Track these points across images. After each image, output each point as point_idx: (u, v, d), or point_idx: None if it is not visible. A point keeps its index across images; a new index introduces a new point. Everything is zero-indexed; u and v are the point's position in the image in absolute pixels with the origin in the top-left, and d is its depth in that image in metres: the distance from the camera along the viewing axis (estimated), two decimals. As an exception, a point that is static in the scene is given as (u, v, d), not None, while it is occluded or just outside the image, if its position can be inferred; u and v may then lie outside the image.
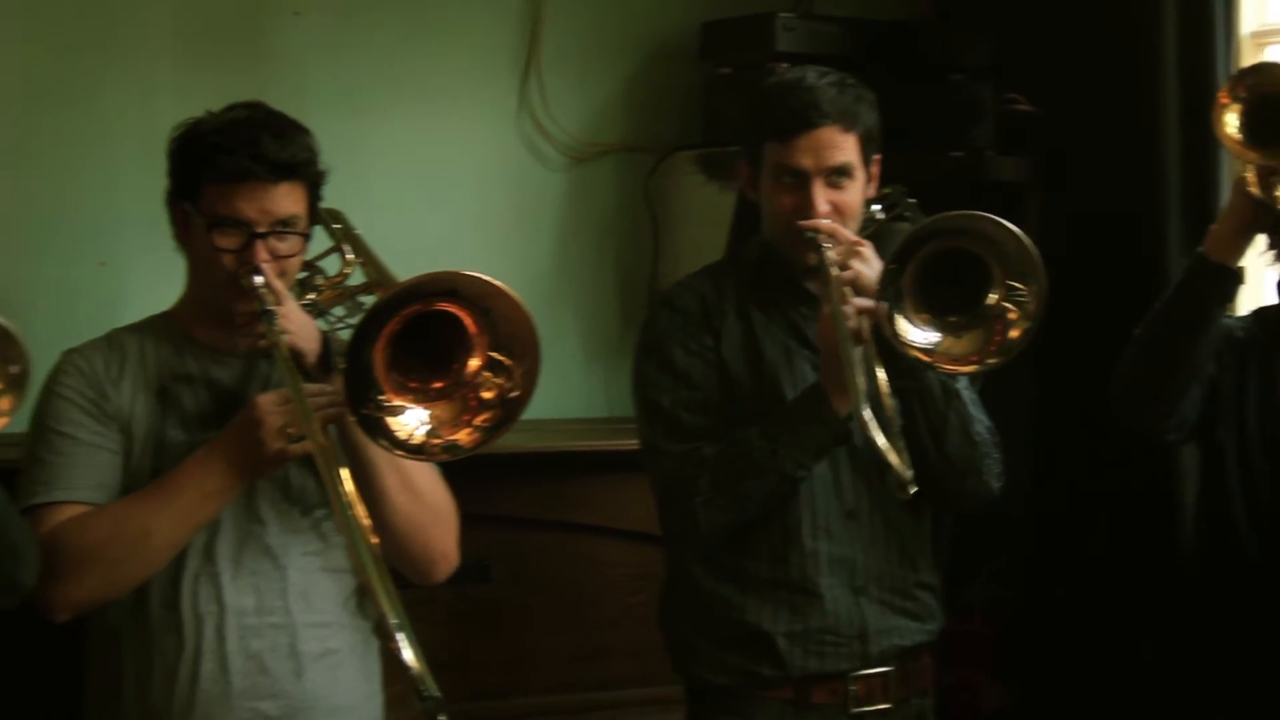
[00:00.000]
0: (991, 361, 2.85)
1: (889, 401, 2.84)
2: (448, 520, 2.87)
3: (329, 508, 2.73)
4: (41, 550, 2.55)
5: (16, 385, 2.22)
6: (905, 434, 2.85)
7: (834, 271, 2.85)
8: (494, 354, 2.58)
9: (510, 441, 2.68)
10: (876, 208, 3.12)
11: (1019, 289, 2.80)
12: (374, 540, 2.46)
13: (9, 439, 2.28)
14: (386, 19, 4.15)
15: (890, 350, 2.82)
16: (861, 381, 2.77)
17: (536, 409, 2.63)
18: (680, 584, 3.09)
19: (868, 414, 2.75)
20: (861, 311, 2.80)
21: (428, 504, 2.82)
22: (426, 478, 2.82)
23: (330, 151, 2.82)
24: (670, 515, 3.04)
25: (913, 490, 2.77)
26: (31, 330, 2.22)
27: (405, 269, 2.71)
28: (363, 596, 2.82)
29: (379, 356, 2.53)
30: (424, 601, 2.56)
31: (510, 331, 2.57)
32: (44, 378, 2.71)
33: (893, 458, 2.76)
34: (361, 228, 3.09)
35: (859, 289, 2.83)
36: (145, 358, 2.80)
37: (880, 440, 2.76)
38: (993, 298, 2.82)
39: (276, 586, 2.77)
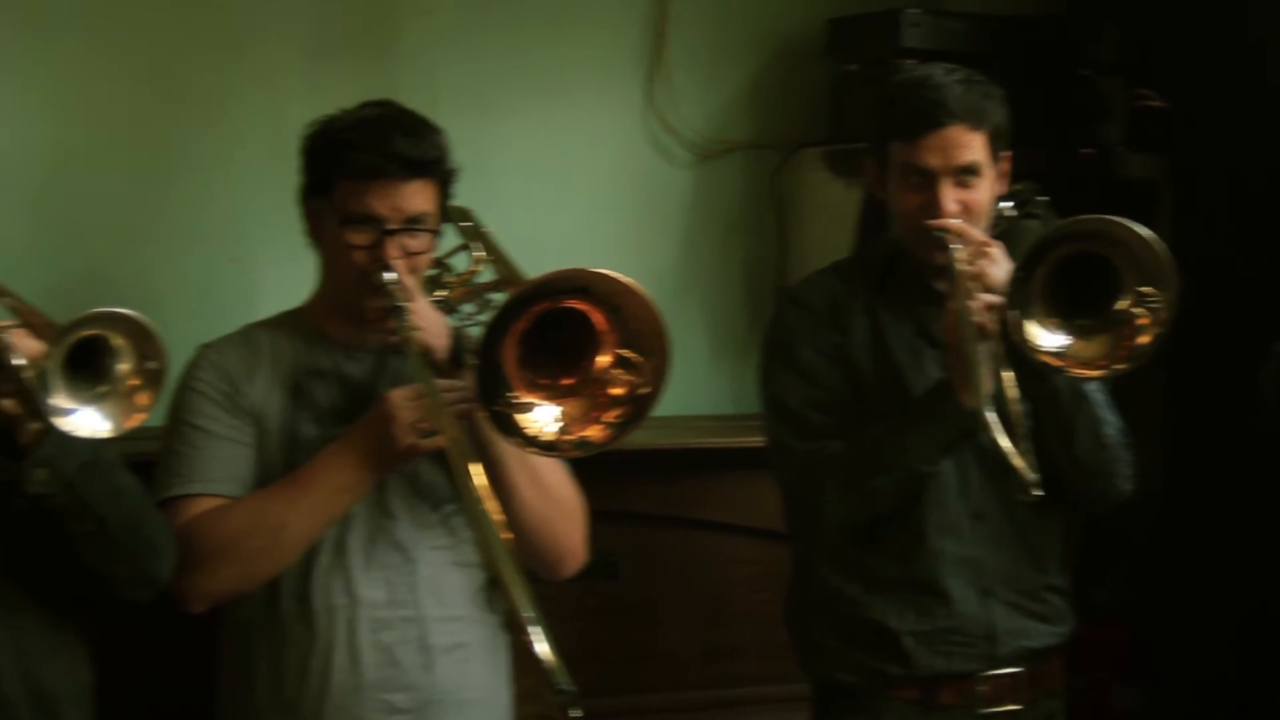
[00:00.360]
0: (1119, 367, 2.80)
1: (1015, 402, 2.81)
2: (575, 516, 2.89)
3: (459, 503, 2.76)
4: (177, 542, 2.59)
5: (154, 381, 2.26)
6: (1033, 437, 2.81)
7: (960, 269, 2.82)
8: (624, 351, 2.59)
9: (638, 438, 2.68)
10: (1006, 205, 3.09)
11: (1150, 295, 2.75)
12: (506, 535, 2.48)
13: (147, 432, 2.32)
14: (514, 17, 4.16)
15: (1018, 354, 2.79)
16: (987, 380, 2.75)
17: (663, 406, 2.63)
18: (807, 582, 3.08)
19: (991, 415, 2.73)
20: (988, 308, 2.78)
21: (556, 500, 2.84)
22: (555, 474, 2.84)
23: (458, 149, 2.85)
24: (797, 513, 3.04)
25: (1037, 494, 2.73)
26: (166, 326, 2.26)
27: (532, 266, 2.73)
28: (492, 591, 2.84)
29: (509, 353, 2.55)
30: (552, 597, 2.57)
31: (640, 328, 2.57)
32: (179, 373, 2.75)
33: (1017, 461, 2.72)
34: (489, 225, 3.10)
35: (985, 285, 2.80)
36: (279, 353, 2.84)
37: (1004, 443, 2.73)
38: (1123, 303, 2.77)
39: (407, 580, 2.79)
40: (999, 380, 2.78)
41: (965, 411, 2.80)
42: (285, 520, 2.69)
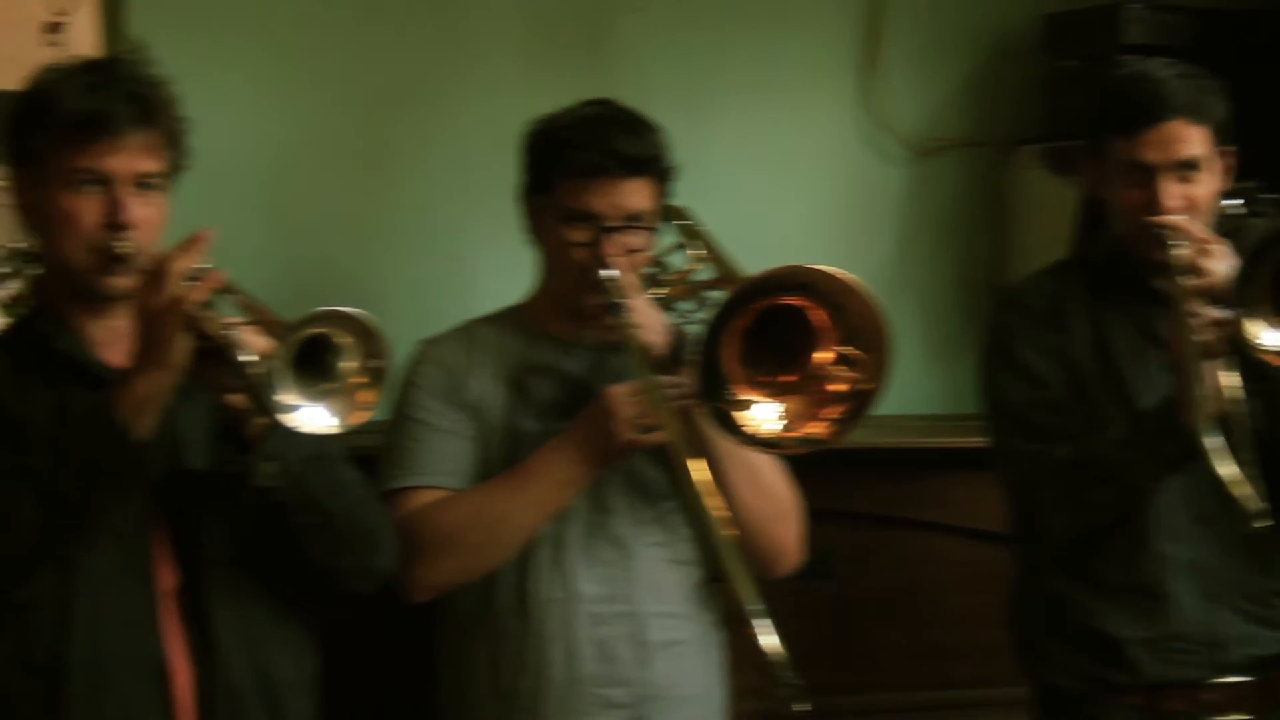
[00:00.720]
0: None
1: (1242, 416, 2.73)
2: (791, 515, 2.88)
3: (676, 499, 2.77)
4: (400, 534, 2.63)
5: (378, 378, 2.28)
6: (1259, 439, 2.74)
7: (1184, 281, 2.74)
8: (844, 348, 2.58)
9: (854, 437, 2.67)
10: (1234, 203, 3.02)
11: None
12: (729, 531, 2.48)
13: (370, 427, 2.34)
14: (727, 14, 4.17)
15: (1242, 353, 2.72)
16: (1210, 401, 2.67)
17: (877, 404, 2.62)
18: (1030, 585, 3.04)
19: (1213, 441, 2.65)
20: (1214, 323, 2.71)
21: (772, 498, 2.83)
22: (771, 472, 2.83)
23: (672, 147, 2.85)
24: (1021, 516, 3.00)
25: (1263, 524, 2.64)
26: (387, 322, 2.28)
27: (747, 263, 2.73)
28: (707, 589, 2.85)
29: (729, 350, 2.55)
30: (767, 596, 2.56)
31: (861, 325, 2.56)
32: (401, 368, 2.79)
33: (1241, 489, 2.64)
34: (704, 223, 3.11)
35: (1212, 295, 2.73)
36: (500, 349, 2.87)
37: (1226, 471, 2.65)
38: None
39: (624, 576, 2.81)
40: (1225, 399, 2.71)
41: (1191, 433, 2.73)
42: (506, 513, 2.72)
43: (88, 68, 2.49)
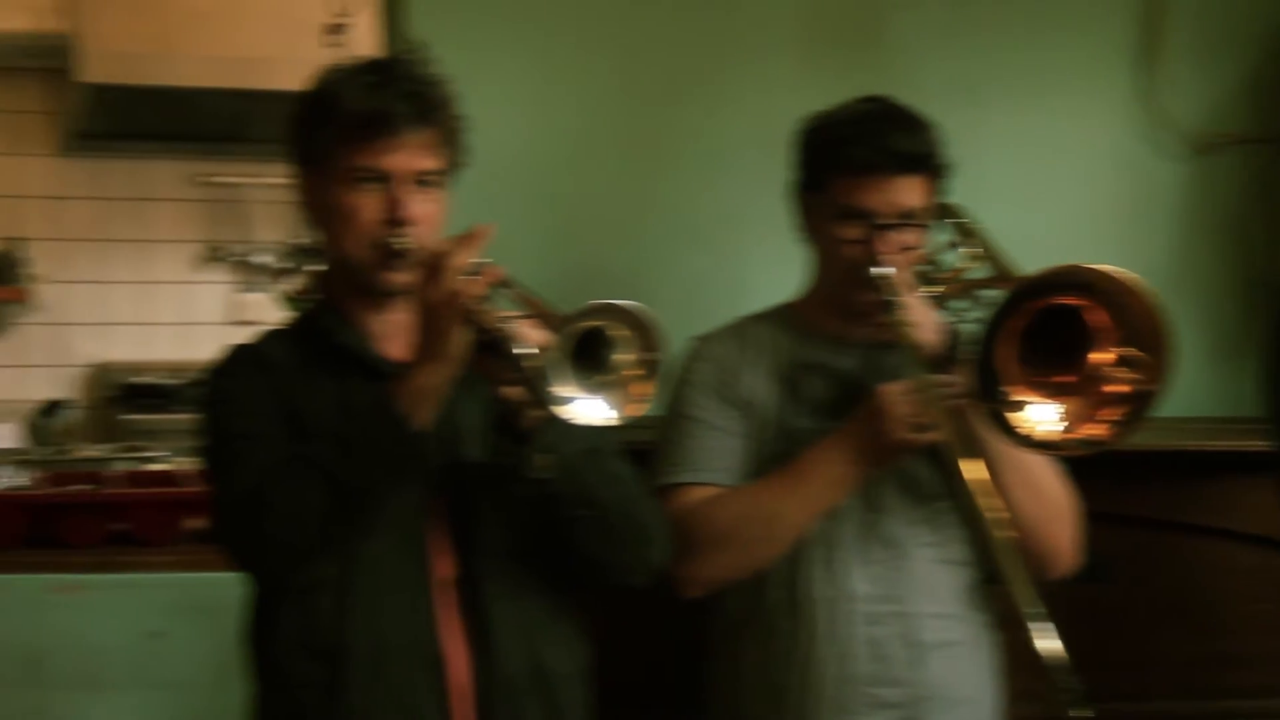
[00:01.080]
0: None
1: None
2: (1066, 517, 2.83)
3: (949, 499, 2.74)
4: (673, 529, 2.64)
5: (653, 371, 2.30)
6: None
7: None
8: (1124, 349, 2.53)
9: (1133, 439, 2.61)
10: None
11: None
12: (1005, 532, 2.45)
13: (645, 422, 2.36)
14: (1001, 9, 4.11)
15: None
16: None
17: (1158, 406, 2.57)
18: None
19: None
20: None
21: (1046, 500, 2.79)
22: (1045, 474, 2.79)
23: (947, 145, 2.83)
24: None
25: None
26: (662, 317, 2.29)
27: (1021, 262, 2.69)
28: (981, 590, 2.82)
29: (1005, 350, 2.52)
30: (1044, 598, 2.53)
31: (1143, 326, 2.51)
32: (674, 364, 2.80)
33: None
34: (978, 220, 3.07)
35: None
36: (771, 346, 2.87)
37: None
38: None
39: (896, 575, 2.79)
40: None
41: None
42: (778, 511, 2.73)
43: (368, 68, 2.55)
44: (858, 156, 2.73)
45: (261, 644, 2.54)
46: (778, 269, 3.06)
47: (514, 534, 2.52)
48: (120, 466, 4.30)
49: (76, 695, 3.69)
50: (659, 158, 3.84)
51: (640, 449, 2.70)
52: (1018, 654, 2.39)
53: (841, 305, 2.82)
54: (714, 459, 2.81)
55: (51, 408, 7.06)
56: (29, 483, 3.90)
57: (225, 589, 2.71)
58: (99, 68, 6.45)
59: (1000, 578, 2.48)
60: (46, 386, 7.28)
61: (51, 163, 7.20)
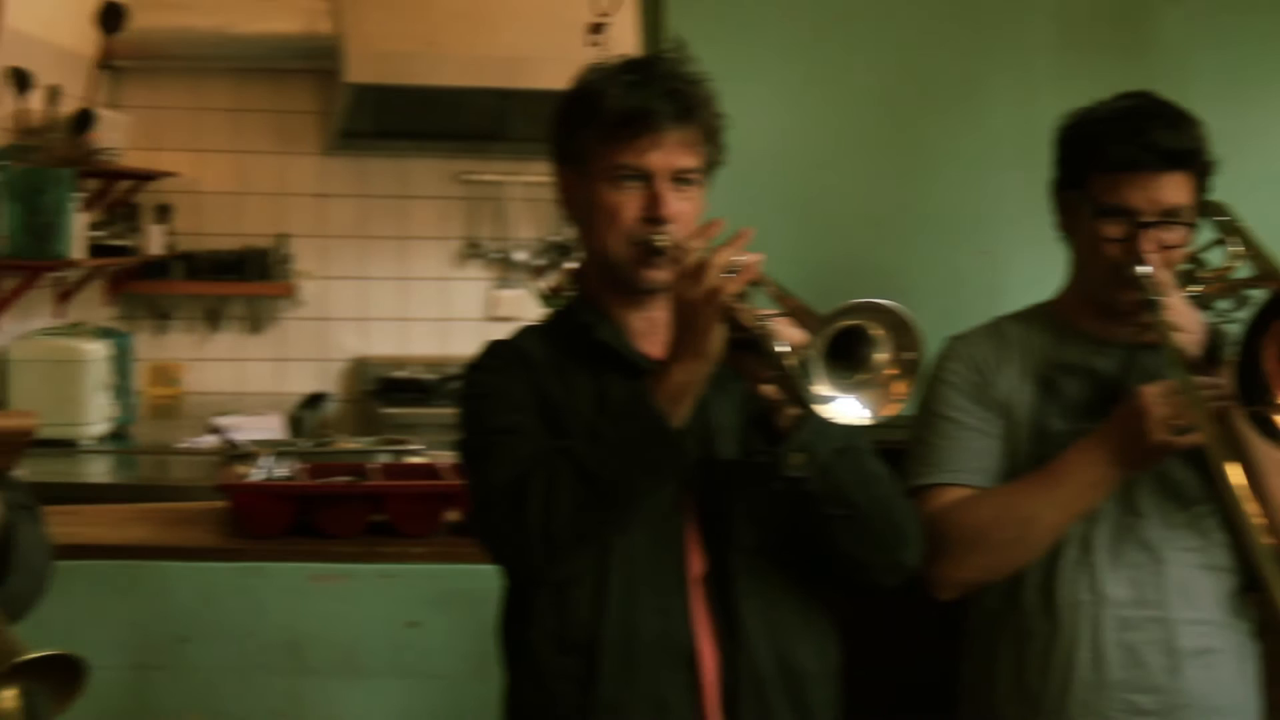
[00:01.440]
0: None
1: None
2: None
3: (1211, 504, 2.69)
4: (927, 530, 2.62)
5: (910, 371, 2.28)
6: None
7: None
8: None
9: None
10: None
11: None
12: (1267, 540, 2.39)
13: (898, 421, 2.35)
14: (1267, 5, 4.01)
15: None
16: None
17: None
18: None
19: None
20: None
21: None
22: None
23: (1212, 141, 2.77)
24: None
25: None
26: (916, 316, 2.27)
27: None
28: (1243, 597, 2.76)
29: (1270, 352, 2.46)
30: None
31: None
32: (929, 363, 2.78)
33: None
34: (1244, 219, 3.00)
35: None
36: (1028, 346, 2.84)
37: None
38: None
39: (1154, 580, 2.74)
40: None
41: None
42: (1033, 513, 2.69)
43: (630, 66, 2.57)
44: (1119, 153, 2.68)
45: (516, 636, 2.58)
46: (1037, 268, 3.02)
47: (765, 532, 2.52)
48: (379, 459, 4.38)
49: (334, 682, 3.77)
50: (918, 156, 3.82)
51: (892, 448, 2.68)
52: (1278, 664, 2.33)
53: (1101, 305, 2.78)
54: (968, 460, 2.79)
55: (313, 400, 7.24)
56: (291, 473, 3.99)
57: (481, 581, 2.76)
58: (364, 68, 6.61)
59: (1261, 585, 2.42)
60: (308, 379, 7.47)
61: (316, 161, 7.39)
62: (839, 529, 2.48)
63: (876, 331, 2.26)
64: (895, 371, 2.27)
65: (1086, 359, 2.80)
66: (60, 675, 2.06)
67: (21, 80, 5.77)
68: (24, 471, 2.25)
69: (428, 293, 7.51)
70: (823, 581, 2.59)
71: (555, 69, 2.85)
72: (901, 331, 2.26)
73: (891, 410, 2.28)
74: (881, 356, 2.27)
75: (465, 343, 2.69)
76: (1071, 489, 2.67)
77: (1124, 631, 2.72)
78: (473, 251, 7.48)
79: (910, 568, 2.58)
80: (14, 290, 5.78)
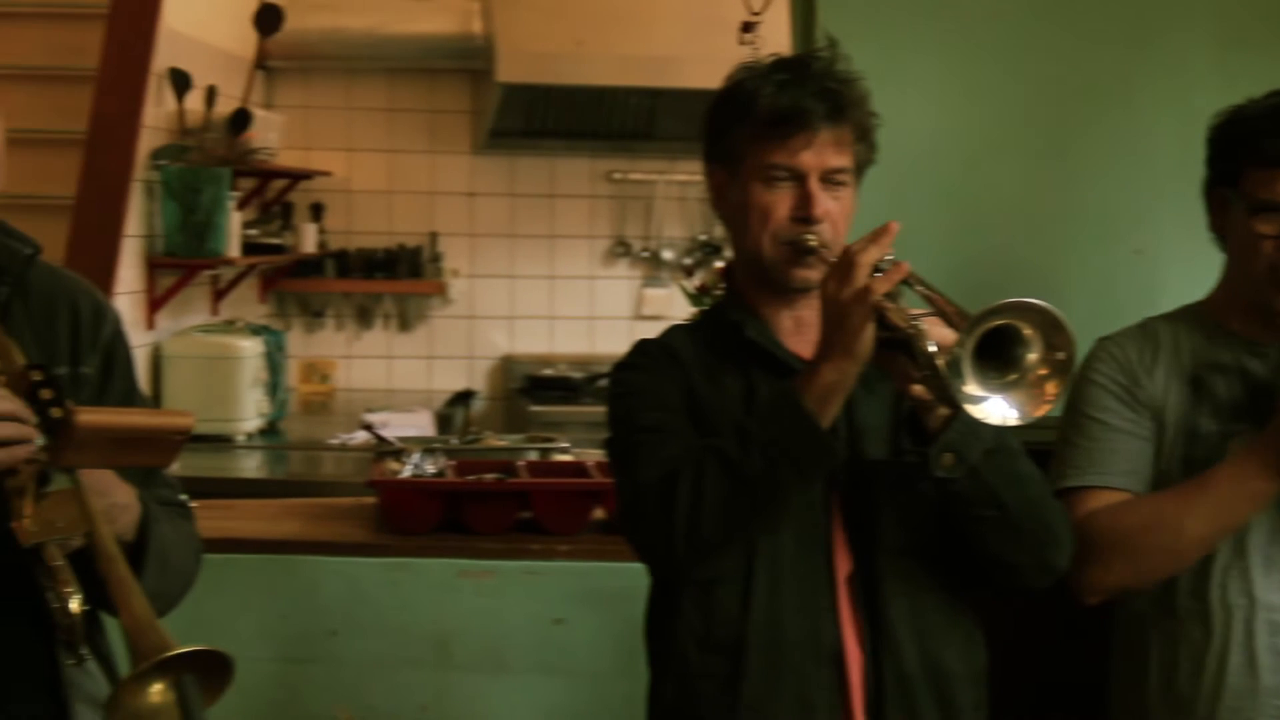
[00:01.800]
0: None
1: None
2: None
3: (1372, 511, 2.64)
4: (1075, 533, 2.59)
5: (1062, 371, 2.26)
6: None
7: None
8: None
9: None
10: None
11: None
12: None
13: (1044, 422, 2.32)
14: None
15: None
16: None
17: None
18: None
19: None
20: None
21: None
22: None
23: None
24: None
25: None
26: (1068, 316, 2.25)
27: None
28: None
29: None
30: None
31: None
32: (1080, 364, 2.75)
33: None
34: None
35: None
36: (1178, 346, 2.80)
37: None
38: None
39: (1309, 586, 2.69)
40: None
41: None
42: (1183, 522, 2.65)
43: (781, 65, 2.57)
44: (1273, 147, 2.64)
45: (662, 634, 2.58)
46: (1193, 269, 2.99)
47: (912, 533, 2.51)
48: (527, 456, 4.40)
49: (480, 678, 3.79)
50: (1072, 155, 3.77)
51: (1040, 449, 2.65)
52: None
53: (1254, 305, 2.73)
54: (1117, 462, 2.75)
55: (461, 397, 7.29)
56: (440, 470, 4.02)
57: (627, 579, 2.77)
58: (514, 68, 6.65)
59: None
60: (456, 377, 7.52)
61: (467, 160, 7.45)
62: (989, 530, 2.46)
63: (1027, 331, 2.24)
64: (1046, 372, 2.26)
65: (1238, 359, 2.76)
66: (208, 669, 2.09)
67: (180, 81, 5.87)
68: (177, 466, 2.29)
69: (575, 291, 7.54)
70: (969, 583, 2.57)
71: (705, 68, 2.85)
72: (1053, 331, 2.24)
73: (1042, 411, 2.26)
74: (1032, 356, 2.25)
75: (612, 341, 2.70)
76: (1225, 500, 2.63)
77: (1277, 636, 2.68)
78: (621, 250, 7.50)
79: (1061, 569, 2.56)
80: (171, 287, 5.88)
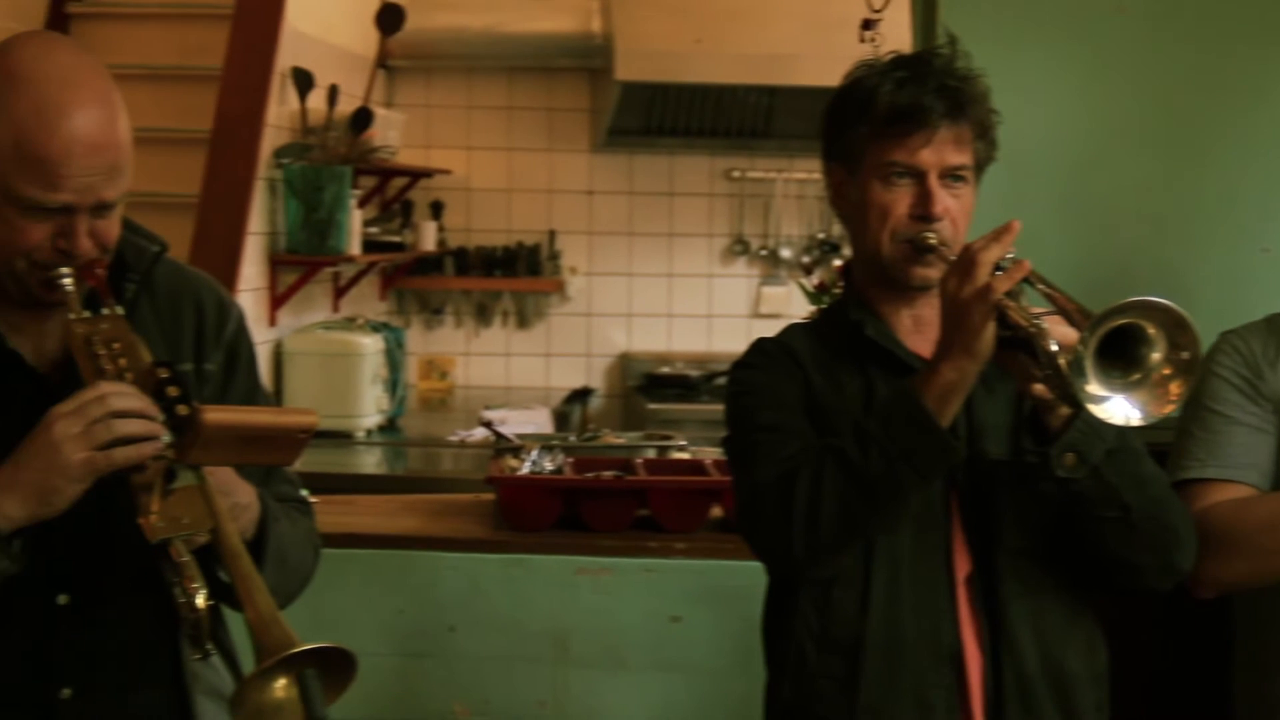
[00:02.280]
0: None
1: None
2: None
3: None
4: (1192, 524, 2.55)
5: (1186, 371, 2.24)
6: None
7: None
8: None
9: None
10: None
11: None
12: None
13: (1170, 423, 2.29)
14: None
15: None
16: None
17: None
18: None
19: None
20: None
21: None
22: None
23: None
24: None
25: None
26: (1192, 314, 2.23)
27: None
28: None
29: None
30: None
31: None
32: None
33: None
34: None
35: None
36: (1299, 339, 2.76)
37: None
38: None
39: None
40: None
41: None
42: None
43: (901, 63, 2.56)
44: None
45: (779, 633, 2.58)
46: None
47: (1032, 533, 2.49)
48: (645, 454, 4.41)
49: (597, 674, 3.81)
50: (1196, 153, 3.74)
51: (1160, 450, 2.62)
52: None
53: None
54: (1239, 455, 2.70)
55: (578, 395, 7.32)
56: (558, 467, 4.04)
57: (744, 577, 2.77)
58: (633, 66, 6.66)
59: None
60: (574, 374, 7.55)
61: (585, 158, 7.47)
62: (1110, 531, 2.43)
63: (1151, 330, 2.22)
64: (1170, 371, 2.23)
65: None
66: (331, 665, 2.11)
67: (303, 81, 5.92)
68: (297, 462, 2.31)
69: (693, 289, 7.55)
70: (1090, 583, 2.54)
71: (823, 66, 2.84)
72: (1177, 330, 2.21)
73: (1166, 411, 2.24)
74: (1156, 356, 2.23)
75: (730, 339, 2.70)
76: None
77: None
78: (739, 248, 7.49)
79: (1184, 571, 2.53)
80: (293, 284, 5.94)
